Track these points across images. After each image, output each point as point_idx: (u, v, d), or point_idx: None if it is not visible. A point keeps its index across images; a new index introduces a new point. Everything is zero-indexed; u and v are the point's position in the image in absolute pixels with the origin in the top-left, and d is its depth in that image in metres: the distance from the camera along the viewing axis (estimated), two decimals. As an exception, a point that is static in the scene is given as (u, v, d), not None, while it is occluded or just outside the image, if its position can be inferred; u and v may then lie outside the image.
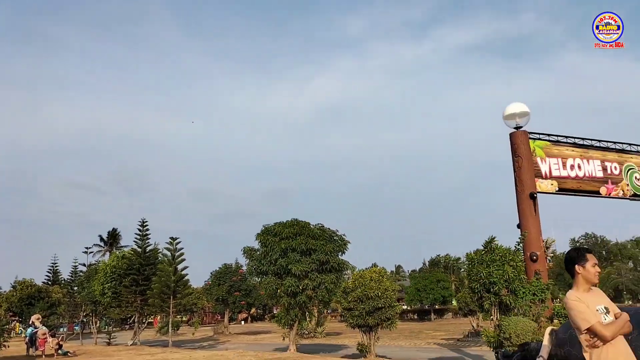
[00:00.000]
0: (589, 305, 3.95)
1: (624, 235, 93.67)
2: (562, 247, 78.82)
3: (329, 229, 19.37)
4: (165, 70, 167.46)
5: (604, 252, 69.41)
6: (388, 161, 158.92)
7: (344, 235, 19.50)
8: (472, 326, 25.28)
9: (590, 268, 4.03)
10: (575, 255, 4.09)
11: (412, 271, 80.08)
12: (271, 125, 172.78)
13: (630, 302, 55.49)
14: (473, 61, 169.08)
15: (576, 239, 69.88)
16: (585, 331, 3.87)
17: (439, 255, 78.06)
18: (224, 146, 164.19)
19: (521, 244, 13.64)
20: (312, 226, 18.98)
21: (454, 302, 44.41)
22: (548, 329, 5.41)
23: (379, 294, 15.31)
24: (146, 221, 27.59)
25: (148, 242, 27.92)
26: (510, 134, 14.19)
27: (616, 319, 4.00)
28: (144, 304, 26.47)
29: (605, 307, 4.04)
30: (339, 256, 19.29)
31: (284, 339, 19.97)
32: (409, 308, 54.15)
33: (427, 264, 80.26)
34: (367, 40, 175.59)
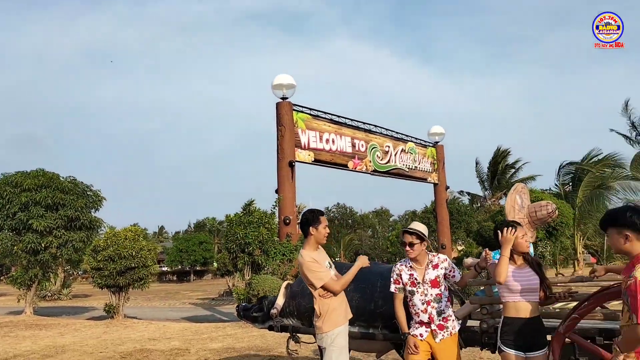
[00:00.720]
0: (320, 263, 4.33)
1: (367, 206, 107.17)
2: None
3: (82, 182, 17.81)
4: None
5: (350, 221, 78.22)
6: (158, 118, 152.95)
7: (99, 190, 18.17)
8: (228, 286, 26.17)
9: (322, 230, 4.35)
10: (311, 217, 4.35)
11: (176, 233, 79.15)
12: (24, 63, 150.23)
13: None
14: (255, 28, 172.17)
15: (330, 208, 77.25)
16: (320, 287, 4.24)
17: (206, 218, 78.52)
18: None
19: (276, 208, 14.50)
20: (62, 179, 17.20)
21: (215, 264, 45.38)
22: (284, 283, 5.77)
23: (133, 253, 14.73)
24: None
25: None
26: (277, 104, 14.83)
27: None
28: None
29: (329, 263, 4.51)
30: (93, 213, 17.93)
31: (19, 301, 17.87)
32: (169, 269, 53.51)
33: (192, 226, 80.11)
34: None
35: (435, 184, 21.56)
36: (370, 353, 5.95)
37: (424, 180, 20.87)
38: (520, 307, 3.71)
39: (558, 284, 4.33)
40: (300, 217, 4.76)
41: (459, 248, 32.85)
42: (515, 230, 3.75)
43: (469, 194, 38.92)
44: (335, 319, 4.23)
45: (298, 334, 5.53)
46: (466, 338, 4.59)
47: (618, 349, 2.99)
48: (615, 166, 29.26)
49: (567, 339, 3.87)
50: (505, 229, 3.72)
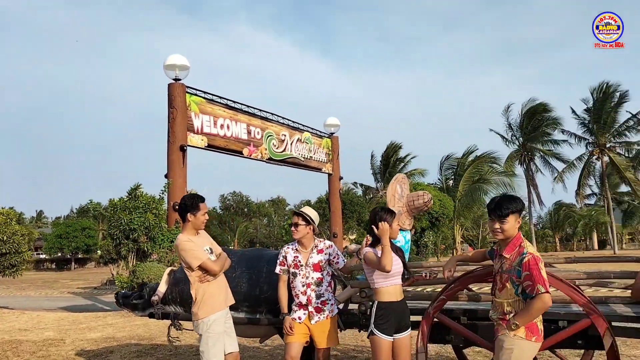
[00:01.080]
0: (198, 245, 4.26)
1: (264, 195, 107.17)
2: (213, 202, 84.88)
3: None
4: None
5: (246, 210, 77.68)
6: (41, 94, 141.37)
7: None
8: (112, 274, 24.90)
9: (200, 217, 4.28)
10: (190, 203, 4.29)
11: (56, 218, 73.81)
12: None
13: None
14: (148, 5, 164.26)
15: (225, 196, 76.08)
16: (197, 268, 4.16)
17: (90, 202, 73.96)
18: None
19: (165, 193, 14.00)
20: None
21: (99, 252, 43.02)
22: (168, 270, 5.62)
23: (4, 238, 13.55)
24: None
25: None
26: (169, 85, 14.26)
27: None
28: None
29: (210, 248, 4.43)
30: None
31: None
32: (47, 257, 49.87)
33: (74, 211, 75.13)
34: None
35: (329, 174, 22.01)
36: (255, 338, 5.96)
37: (318, 170, 21.23)
38: (392, 291, 3.89)
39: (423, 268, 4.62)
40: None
41: (352, 237, 33.93)
42: (387, 220, 3.90)
43: (362, 185, 40.29)
44: (211, 304, 4.18)
45: (180, 322, 5.41)
46: (346, 320, 4.75)
47: (517, 323, 3.21)
48: (492, 163, 31.76)
49: (435, 319, 4.14)
50: (380, 223, 3.84)
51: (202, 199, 4.39)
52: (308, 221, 4.34)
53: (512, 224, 3.35)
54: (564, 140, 42.82)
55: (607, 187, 42.71)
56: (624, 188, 47.44)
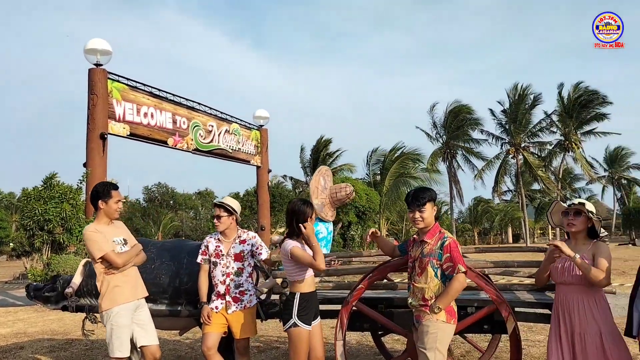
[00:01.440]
0: (107, 236, 4.14)
1: (191, 187, 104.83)
2: (137, 194, 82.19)
3: None
4: None
5: (171, 202, 75.66)
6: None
7: None
8: (25, 267, 23.51)
9: (112, 204, 4.18)
10: (101, 190, 4.19)
11: (-37, 209, 68.50)
12: None
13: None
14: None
15: (150, 187, 73.73)
16: (100, 259, 4.06)
17: (0, 193, 69.35)
18: None
19: (84, 183, 13.39)
20: None
21: (11, 244, 40.47)
22: (83, 261, 5.44)
23: None
24: None
25: None
26: (90, 70, 13.63)
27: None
28: None
29: (124, 239, 4.32)
30: None
31: None
32: (-49, 250, 46.36)
33: (-16, 201, 70.12)
34: None
35: (258, 167, 21.89)
36: (175, 331, 5.87)
37: (247, 162, 21.06)
38: (310, 282, 3.95)
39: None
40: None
41: (280, 230, 33.96)
42: (308, 214, 3.91)
43: (292, 178, 40.37)
44: (115, 296, 4.09)
45: (96, 314, 5.23)
46: (267, 311, 4.78)
47: (440, 307, 3.45)
48: (417, 159, 32.84)
49: (353, 308, 4.26)
50: (302, 226, 3.76)
51: (115, 187, 4.29)
52: (230, 212, 4.33)
53: (430, 211, 3.63)
54: (484, 140, 45.05)
55: (521, 184, 45.32)
56: (536, 186, 50.50)
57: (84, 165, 13.47)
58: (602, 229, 3.59)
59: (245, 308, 4.28)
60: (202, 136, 17.68)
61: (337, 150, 37.30)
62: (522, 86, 42.42)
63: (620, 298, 6.53)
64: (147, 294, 4.39)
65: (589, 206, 3.60)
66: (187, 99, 16.98)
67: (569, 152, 45.06)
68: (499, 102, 43.97)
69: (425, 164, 36.46)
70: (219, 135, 18.63)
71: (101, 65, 13.65)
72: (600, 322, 3.42)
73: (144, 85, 15.10)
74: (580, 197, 52.82)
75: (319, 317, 4.02)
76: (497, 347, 5.89)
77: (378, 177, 33.06)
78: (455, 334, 3.77)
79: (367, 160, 33.85)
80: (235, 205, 4.41)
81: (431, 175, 34.11)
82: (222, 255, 4.31)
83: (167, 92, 16.07)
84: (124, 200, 4.33)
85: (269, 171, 23.02)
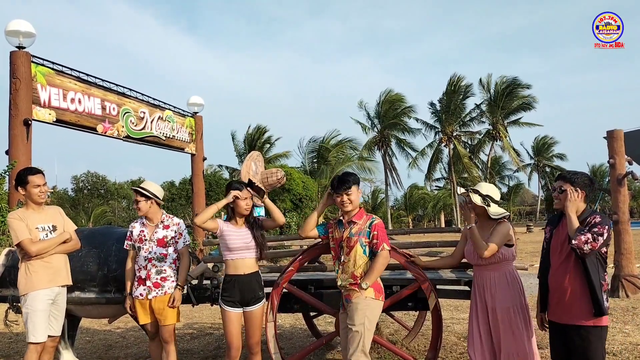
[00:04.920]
0: (30, 222, 4.09)
1: (124, 176, 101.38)
2: (66, 183, 78.66)
3: None
4: None
5: (102, 191, 72.93)
6: None
7: None
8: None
9: (31, 189, 4.14)
10: (18, 177, 4.18)
11: None
12: None
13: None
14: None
15: (79, 176, 70.75)
16: (17, 245, 4.08)
17: None
18: None
19: (8, 172, 12.74)
20: None
21: None
22: (5, 251, 5.29)
23: None
24: None
25: None
26: (11, 53, 12.88)
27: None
28: None
29: (52, 225, 4.24)
30: None
31: None
32: None
33: None
34: None
35: (192, 155, 21.51)
36: (103, 319, 5.78)
37: (181, 150, 20.64)
38: (239, 264, 4.00)
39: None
40: None
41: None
42: (240, 189, 4.15)
43: (228, 167, 39.95)
44: (31, 282, 4.07)
45: (19, 304, 5.08)
46: (198, 296, 4.81)
47: (367, 283, 3.65)
48: (353, 148, 33.41)
49: (284, 289, 4.37)
50: (233, 193, 4.11)
51: (34, 171, 4.21)
52: (148, 196, 4.33)
53: (356, 194, 3.86)
54: (418, 129, 46.37)
55: (453, 172, 47.08)
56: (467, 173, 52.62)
57: (6, 152, 12.80)
58: (501, 209, 3.84)
59: (166, 294, 4.23)
60: (133, 123, 17.16)
61: (272, 138, 37.29)
62: (456, 76, 43.92)
63: (532, 277, 7.02)
64: (70, 283, 4.35)
65: (484, 189, 3.83)
66: (117, 85, 16.40)
67: (497, 140, 47.19)
68: (437, 101, 45.27)
69: (360, 153, 37.16)
70: (151, 122, 18.15)
71: (24, 48, 12.94)
72: (509, 297, 3.69)
73: (71, 69, 14.45)
74: (509, 184, 55.54)
75: (258, 302, 4.01)
76: (422, 324, 6.21)
77: (315, 165, 33.37)
78: (382, 311, 3.96)
79: (302, 148, 34.06)
80: (154, 188, 4.39)
81: (364, 163, 34.81)
82: (145, 240, 4.29)
83: (95, 77, 15.45)
84: (44, 185, 4.22)
85: (204, 159, 22.66)
